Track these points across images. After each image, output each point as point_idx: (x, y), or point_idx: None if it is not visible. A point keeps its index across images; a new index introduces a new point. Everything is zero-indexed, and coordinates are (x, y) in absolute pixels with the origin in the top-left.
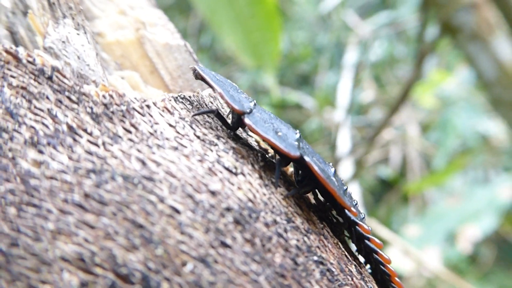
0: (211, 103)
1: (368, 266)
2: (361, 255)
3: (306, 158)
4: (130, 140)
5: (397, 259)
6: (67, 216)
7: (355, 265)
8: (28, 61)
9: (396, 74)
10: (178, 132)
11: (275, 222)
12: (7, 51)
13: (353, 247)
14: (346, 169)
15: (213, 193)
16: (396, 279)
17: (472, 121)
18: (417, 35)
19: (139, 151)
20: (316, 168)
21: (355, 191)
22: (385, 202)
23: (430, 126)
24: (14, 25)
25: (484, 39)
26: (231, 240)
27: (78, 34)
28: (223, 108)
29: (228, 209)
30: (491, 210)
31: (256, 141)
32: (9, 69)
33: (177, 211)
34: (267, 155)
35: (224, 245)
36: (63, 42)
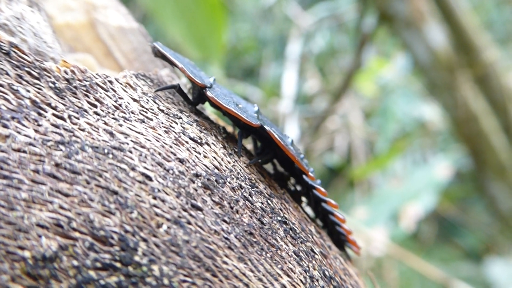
0: (170, 82)
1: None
2: (318, 218)
3: (267, 127)
4: (96, 113)
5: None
6: (39, 186)
7: (314, 226)
8: None
9: (339, 64)
10: (142, 106)
11: (240, 187)
12: None
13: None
14: None
15: (181, 161)
16: (351, 237)
17: (409, 107)
18: (356, 25)
19: (106, 123)
20: (276, 136)
21: None
22: (333, 189)
23: (372, 113)
24: None
25: (417, 27)
26: (201, 203)
27: (32, 11)
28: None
29: (197, 175)
30: (430, 189)
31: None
32: None
33: (149, 178)
34: (227, 130)
35: (196, 207)
36: (18, 18)
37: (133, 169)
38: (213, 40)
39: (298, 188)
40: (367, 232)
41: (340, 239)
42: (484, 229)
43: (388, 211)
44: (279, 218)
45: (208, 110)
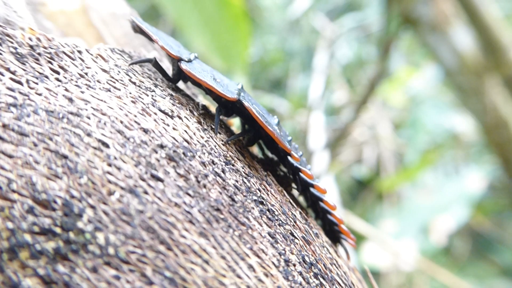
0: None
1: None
2: (308, 205)
3: (246, 103)
4: (58, 80)
5: (375, 253)
6: None
7: (300, 212)
8: None
9: (366, 76)
10: (112, 77)
11: (212, 162)
12: None
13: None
14: (320, 166)
15: (145, 131)
16: (343, 226)
17: (440, 118)
18: (381, 31)
19: (66, 90)
20: (254, 111)
21: (333, 190)
22: (361, 201)
23: (401, 124)
24: None
25: (443, 30)
26: (163, 174)
27: None
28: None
29: (161, 146)
30: (462, 201)
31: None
32: None
33: (105, 145)
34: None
35: (155, 178)
36: None
37: (88, 134)
38: (237, 50)
39: (289, 175)
40: (396, 245)
41: (333, 231)
42: None
43: (418, 224)
44: (255, 198)
45: (200, 97)
